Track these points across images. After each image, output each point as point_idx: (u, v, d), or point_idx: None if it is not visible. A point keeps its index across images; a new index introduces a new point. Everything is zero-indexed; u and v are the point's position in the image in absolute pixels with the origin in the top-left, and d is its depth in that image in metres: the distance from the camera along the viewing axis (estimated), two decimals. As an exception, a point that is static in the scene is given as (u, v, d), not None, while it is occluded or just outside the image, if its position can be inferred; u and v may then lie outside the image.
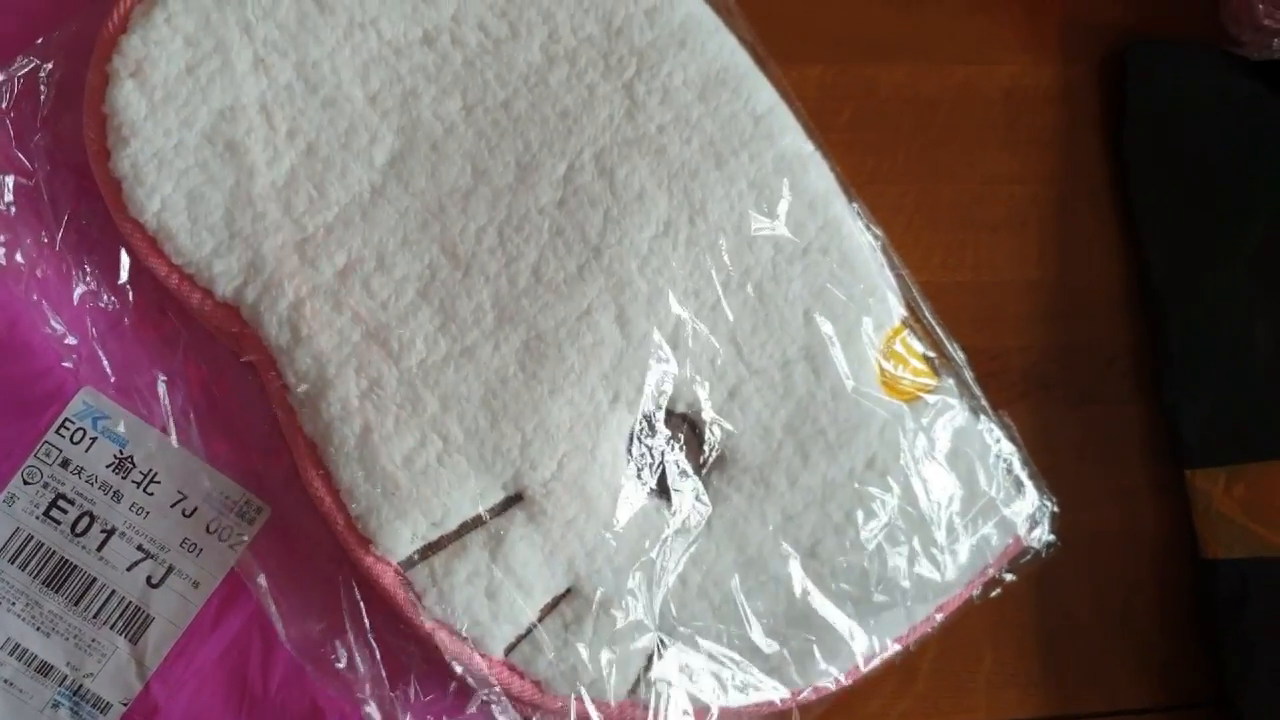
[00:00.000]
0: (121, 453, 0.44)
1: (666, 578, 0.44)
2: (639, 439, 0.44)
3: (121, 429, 0.44)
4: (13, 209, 0.42)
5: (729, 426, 0.44)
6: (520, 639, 0.42)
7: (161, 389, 0.44)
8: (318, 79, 0.43)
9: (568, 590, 0.43)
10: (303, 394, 0.42)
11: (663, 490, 0.44)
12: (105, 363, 0.42)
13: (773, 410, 0.45)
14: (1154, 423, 0.54)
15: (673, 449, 0.44)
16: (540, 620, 0.42)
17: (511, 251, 0.43)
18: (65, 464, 0.44)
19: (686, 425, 0.45)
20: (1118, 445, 0.54)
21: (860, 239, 0.47)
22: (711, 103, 0.45)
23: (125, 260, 0.42)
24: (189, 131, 0.42)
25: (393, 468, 0.41)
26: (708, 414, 0.44)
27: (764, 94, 0.46)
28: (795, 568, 0.44)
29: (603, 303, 0.43)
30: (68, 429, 0.44)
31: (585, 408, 0.43)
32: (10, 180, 0.42)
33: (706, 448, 0.45)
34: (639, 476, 0.44)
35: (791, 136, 0.46)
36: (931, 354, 0.48)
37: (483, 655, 0.41)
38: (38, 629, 0.43)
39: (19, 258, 0.42)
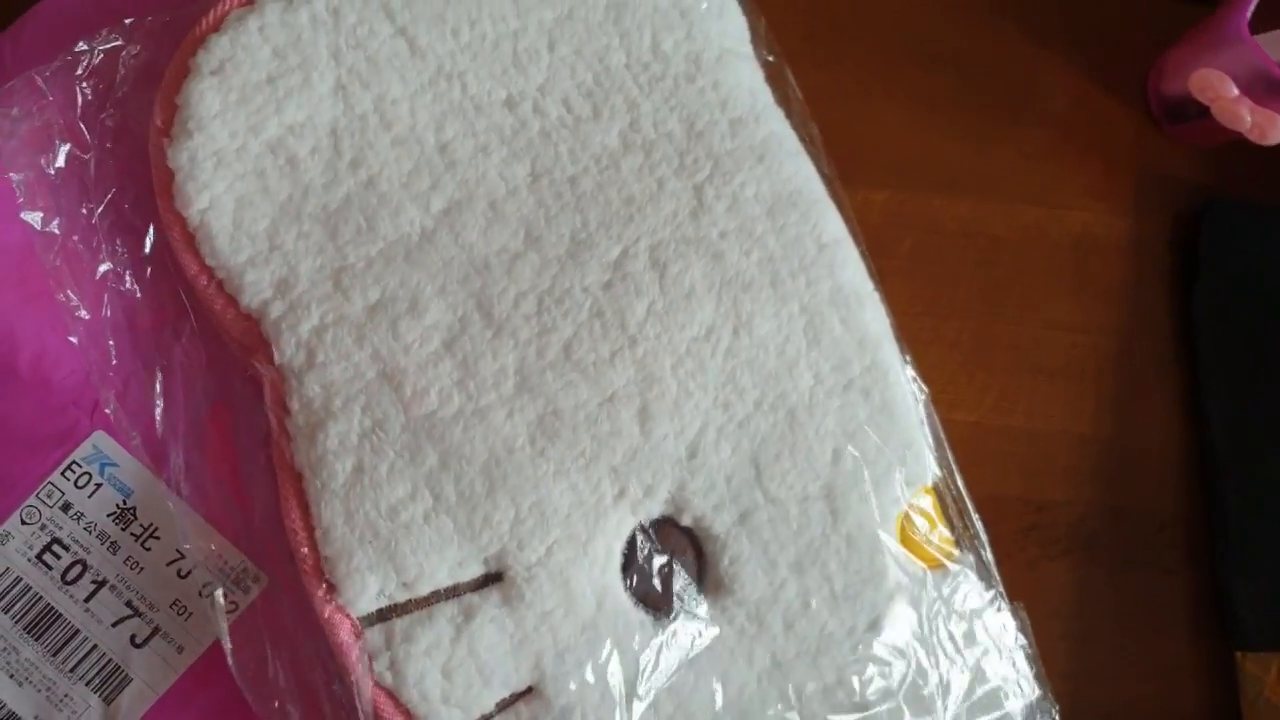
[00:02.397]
0: (125, 503, 0.43)
1: (637, 703, 0.41)
2: (637, 544, 0.42)
3: (129, 479, 0.43)
4: (59, 177, 0.42)
5: (734, 553, 0.42)
6: (465, 728, 0.39)
7: (158, 406, 0.42)
8: (394, 116, 0.43)
9: (529, 689, 0.41)
10: (302, 421, 0.41)
11: (650, 605, 0.42)
12: (111, 343, 0.42)
13: (782, 545, 0.43)
14: (1201, 598, 0.52)
15: (670, 564, 0.42)
16: (492, 716, 0.40)
17: (547, 323, 0.42)
18: (66, 508, 0.43)
19: (688, 541, 0.43)
20: (1162, 617, 0.52)
21: (905, 390, 0.46)
22: (778, 221, 0.45)
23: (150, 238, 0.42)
24: (254, 139, 0.42)
25: (376, 515, 0.40)
26: (715, 534, 0.42)
27: (832, 224, 0.46)
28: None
29: (628, 394, 0.42)
30: (74, 472, 0.43)
31: (588, 497, 0.41)
32: (65, 149, 0.42)
33: (709, 571, 0.43)
34: (628, 584, 0.42)
35: (853, 271, 0.46)
36: (954, 526, 0.47)
37: (421, 736, 0.39)
38: (11, 676, 0.42)
39: (55, 226, 0.42)
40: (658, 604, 0.42)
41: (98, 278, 0.42)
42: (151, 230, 0.43)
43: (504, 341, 0.42)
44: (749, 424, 0.43)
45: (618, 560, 0.42)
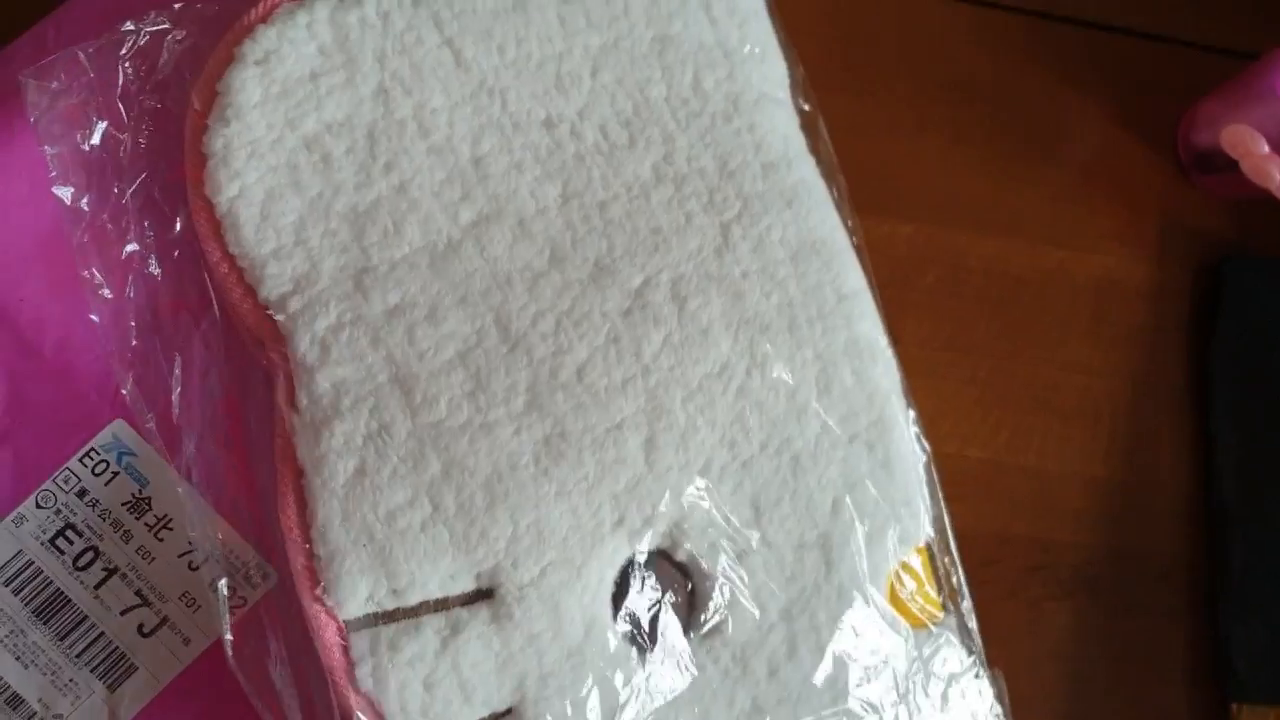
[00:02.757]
0: (140, 492, 0.43)
1: (614, 737, 0.41)
2: (630, 574, 0.42)
3: (145, 469, 0.43)
4: (93, 154, 0.43)
5: (725, 593, 0.42)
6: (443, 743, 0.39)
7: (175, 390, 0.42)
8: (432, 125, 0.43)
9: (508, 710, 0.40)
10: (309, 417, 0.41)
11: (637, 638, 0.42)
12: (132, 324, 0.42)
13: (774, 590, 0.43)
14: (1201, 645, 0.53)
15: (661, 598, 0.42)
16: (469, 735, 0.40)
17: (563, 343, 0.42)
18: (82, 494, 0.43)
19: (681, 576, 0.43)
20: (1160, 664, 0.52)
21: (908, 448, 0.46)
22: (801, 267, 0.45)
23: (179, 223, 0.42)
24: (291, 133, 0.42)
25: (373, 519, 0.40)
26: (708, 573, 0.42)
27: (853, 276, 0.46)
28: (750, 765, 0.41)
29: (636, 423, 0.42)
30: (91, 459, 0.43)
31: (587, 522, 0.41)
32: (102, 126, 0.43)
33: (699, 608, 0.42)
34: (617, 615, 0.42)
35: (869, 325, 0.46)
36: (941, 587, 0.47)
37: (397, 746, 0.38)
38: (17, 658, 0.42)
39: (85, 203, 0.42)
40: (644, 637, 0.42)
41: (123, 258, 0.42)
42: (180, 216, 0.42)
43: (518, 358, 0.42)
44: (753, 465, 0.43)
45: (609, 589, 0.42)
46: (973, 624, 0.47)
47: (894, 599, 0.45)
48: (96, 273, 0.42)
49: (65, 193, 0.42)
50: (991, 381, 0.54)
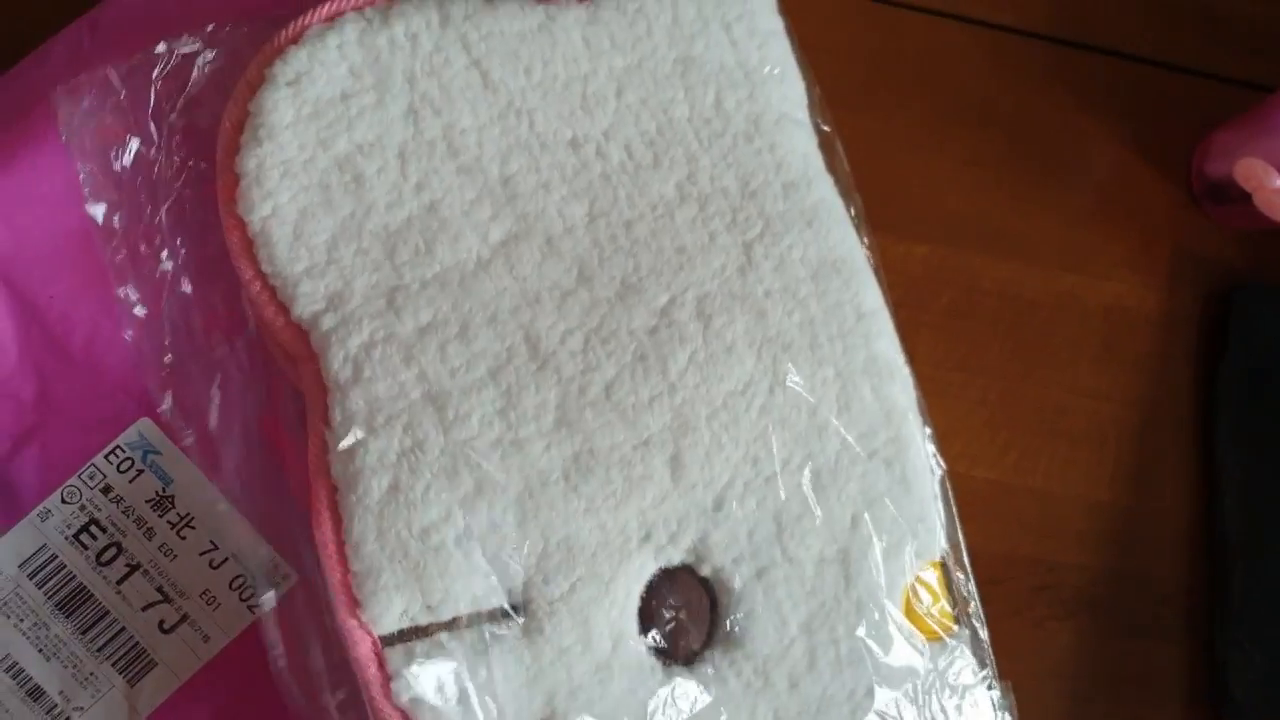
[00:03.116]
0: (164, 490, 0.44)
1: (639, 749, 0.42)
2: (656, 589, 0.43)
3: (170, 467, 0.44)
4: (125, 173, 0.43)
5: (748, 607, 0.43)
6: (477, 755, 0.40)
7: (212, 406, 0.43)
8: (461, 145, 0.44)
9: (538, 723, 0.41)
10: (343, 434, 0.41)
11: (662, 651, 0.43)
12: (167, 342, 0.42)
13: (795, 604, 0.44)
14: (1199, 670, 0.54)
15: (684, 612, 0.43)
16: (500, 747, 0.41)
17: (592, 361, 0.43)
18: (106, 490, 0.44)
19: (704, 590, 0.44)
20: (1158, 686, 0.53)
21: (924, 464, 0.47)
22: (821, 285, 0.46)
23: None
24: (324, 153, 0.43)
25: (407, 535, 0.40)
26: (732, 587, 0.43)
27: (871, 295, 0.47)
28: (772, 776, 0.42)
29: (662, 440, 0.43)
30: (117, 456, 0.44)
31: (615, 538, 0.42)
32: (134, 145, 0.43)
33: (721, 622, 0.43)
34: (643, 629, 0.43)
35: (887, 343, 0.47)
36: (955, 601, 0.48)
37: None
38: (39, 650, 0.43)
39: (117, 221, 0.43)
40: (669, 651, 0.43)
41: (157, 276, 0.43)
42: (212, 234, 0.43)
43: (548, 376, 0.43)
44: (775, 481, 0.44)
45: (635, 603, 0.43)
46: (984, 635, 0.48)
47: (910, 612, 0.46)
48: (130, 292, 0.42)
49: (98, 210, 0.43)
50: (1001, 403, 0.55)
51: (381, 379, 0.42)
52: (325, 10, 0.43)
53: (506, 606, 0.42)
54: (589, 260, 0.44)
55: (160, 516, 0.44)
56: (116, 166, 0.43)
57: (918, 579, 0.46)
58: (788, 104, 0.48)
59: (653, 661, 0.43)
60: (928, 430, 0.48)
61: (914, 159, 0.57)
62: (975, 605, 0.48)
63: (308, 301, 0.42)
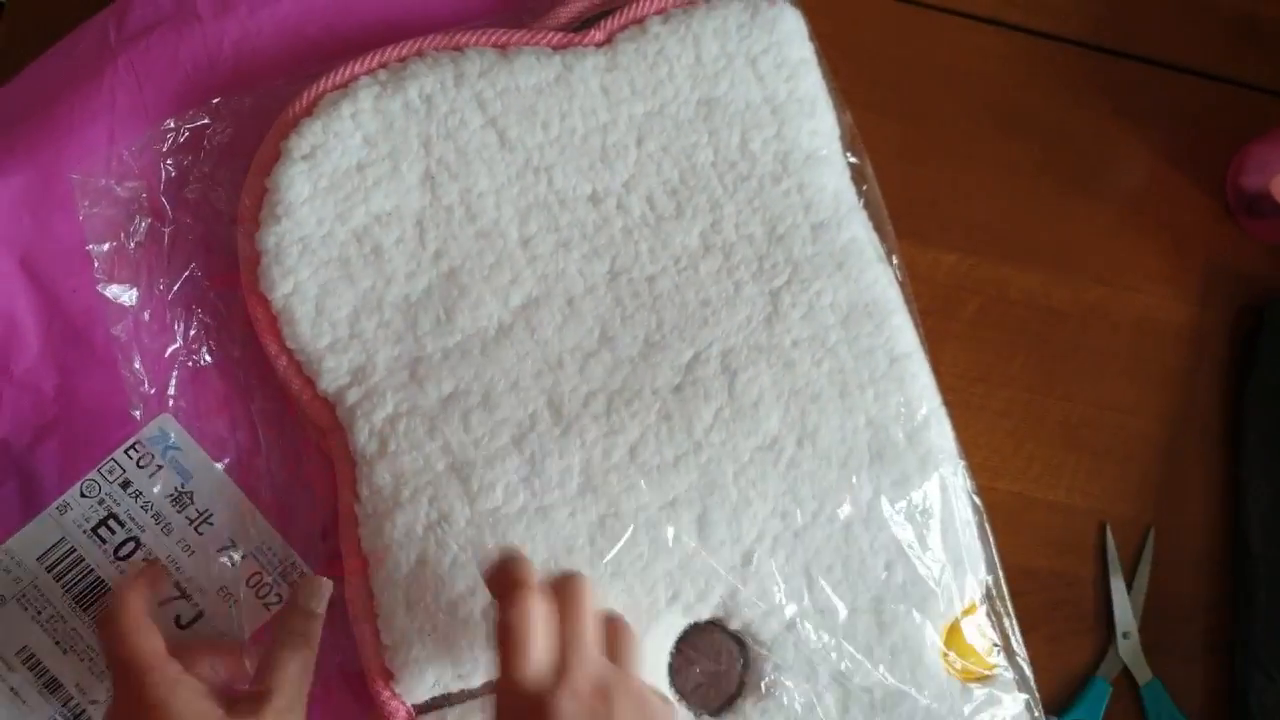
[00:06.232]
0: (182, 486, 0.46)
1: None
2: (686, 644, 0.44)
3: (189, 463, 0.45)
4: (138, 251, 0.44)
5: (778, 659, 0.45)
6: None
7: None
8: (479, 209, 0.45)
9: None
10: (371, 509, 0.43)
11: (695, 705, 0.44)
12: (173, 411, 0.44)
13: (826, 654, 0.45)
14: (1217, 690, 0.54)
15: (716, 666, 0.44)
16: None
17: (615, 423, 0.44)
18: (126, 485, 0.45)
19: (735, 644, 0.45)
20: (1176, 702, 0.53)
21: (963, 505, 0.47)
22: (852, 331, 0.46)
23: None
24: (342, 226, 0.44)
25: (436, 608, 0.42)
26: (762, 640, 0.44)
27: (906, 336, 0.47)
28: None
29: (689, 499, 0.44)
30: (137, 451, 0.45)
31: (642, 600, 0.44)
32: (145, 224, 0.44)
33: (753, 674, 0.44)
34: (674, 684, 0.44)
35: (923, 384, 0.48)
36: (998, 642, 0.48)
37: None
38: (56, 643, 0.45)
39: (127, 299, 0.44)
40: (702, 704, 0.44)
41: (166, 355, 0.45)
42: (224, 308, 0.45)
43: (571, 440, 0.44)
44: (805, 534, 0.45)
45: (665, 660, 0.44)
46: (1029, 672, 0.49)
47: (947, 659, 0.46)
48: (139, 369, 0.43)
49: (110, 290, 0.44)
50: (1025, 415, 0.55)
51: (407, 452, 0.43)
52: (338, 77, 0.44)
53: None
54: (611, 319, 0.45)
55: (179, 512, 0.45)
56: (130, 245, 0.44)
57: (954, 624, 0.46)
58: (818, 139, 0.48)
59: (686, 714, 0.44)
60: (962, 464, 0.48)
61: (945, 165, 0.56)
62: (1018, 642, 0.48)
63: (332, 377, 0.43)
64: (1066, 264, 0.56)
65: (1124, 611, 0.53)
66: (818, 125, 0.48)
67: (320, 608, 0.42)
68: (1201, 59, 0.59)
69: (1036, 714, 0.48)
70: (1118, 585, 0.53)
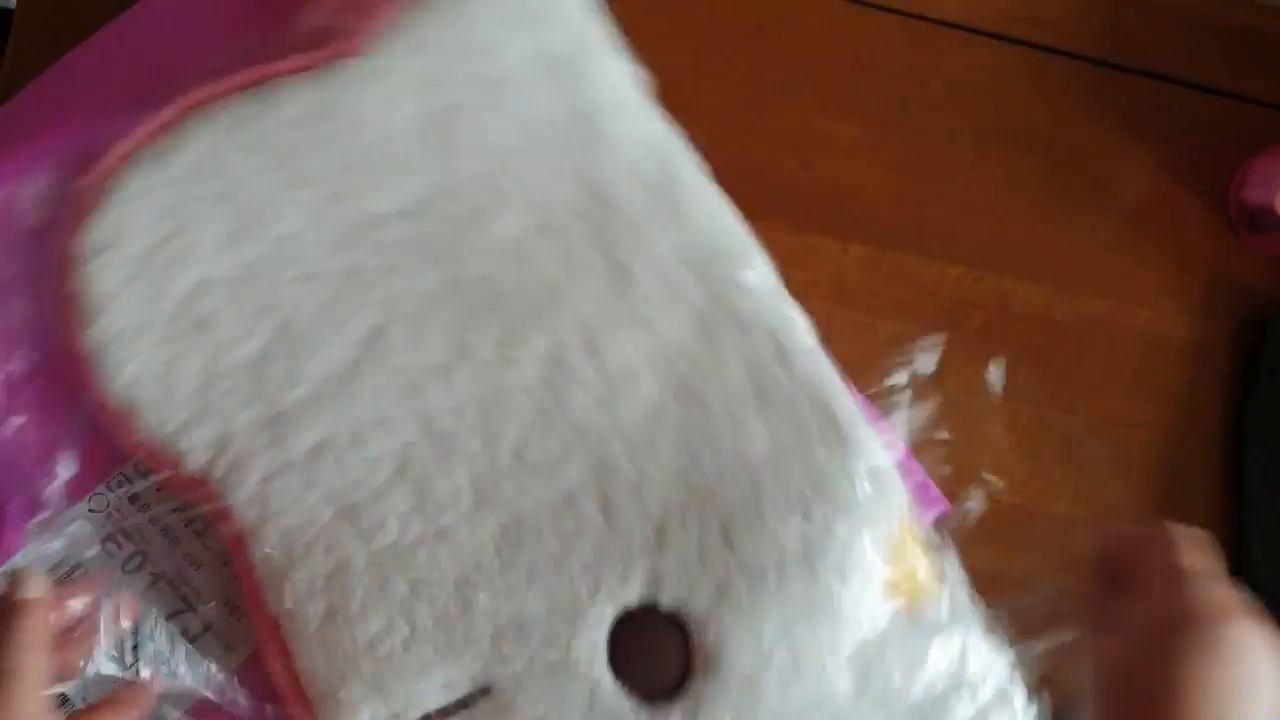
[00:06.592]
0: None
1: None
2: (621, 633, 0.43)
3: None
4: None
5: (716, 628, 0.45)
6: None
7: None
8: (294, 253, 0.45)
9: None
10: (267, 572, 0.44)
11: (644, 692, 0.43)
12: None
13: (764, 611, 0.45)
14: None
15: (657, 647, 0.43)
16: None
17: (493, 430, 0.44)
18: (133, 499, 0.46)
19: (671, 624, 0.44)
20: None
21: (866, 433, 0.47)
22: (703, 275, 0.47)
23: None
24: (157, 308, 0.44)
25: (355, 652, 0.43)
26: (695, 612, 0.45)
27: (758, 267, 0.48)
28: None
29: (585, 487, 0.44)
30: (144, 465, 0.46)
31: (563, 598, 0.43)
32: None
33: (697, 648, 0.45)
34: (617, 674, 0.43)
35: (785, 315, 0.47)
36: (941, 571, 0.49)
37: None
38: None
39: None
40: (649, 691, 0.43)
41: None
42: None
43: (454, 458, 0.44)
44: (712, 496, 0.44)
45: (604, 653, 0.44)
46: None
47: (890, 583, 0.45)
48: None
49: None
50: (1029, 428, 0.57)
51: (289, 510, 0.44)
52: (117, 155, 0.42)
53: (472, 692, 0.42)
54: (459, 328, 0.46)
55: (185, 525, 0.46)
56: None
57: (890, 548, 0.45)
58: (614, 90, 0.48)
59: (633, 704, 0.43)
60: (859, 399, 0.49)
61: (949, 180, 0.58)
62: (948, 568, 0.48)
63: (194, 456, 0.44)
64: (1070, 279, 0.58)
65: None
66: (609, 75, 0.48)
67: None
68: (1204, 74, 0.61)
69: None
70: (1120, 598, 0.54)
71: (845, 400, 0.47)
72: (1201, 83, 0.60)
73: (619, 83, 0.48)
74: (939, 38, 0.59)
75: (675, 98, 0.55)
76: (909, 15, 0.59)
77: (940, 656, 0.46)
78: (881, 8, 0.59)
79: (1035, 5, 0.60)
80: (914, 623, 0.46)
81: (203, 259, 0.44)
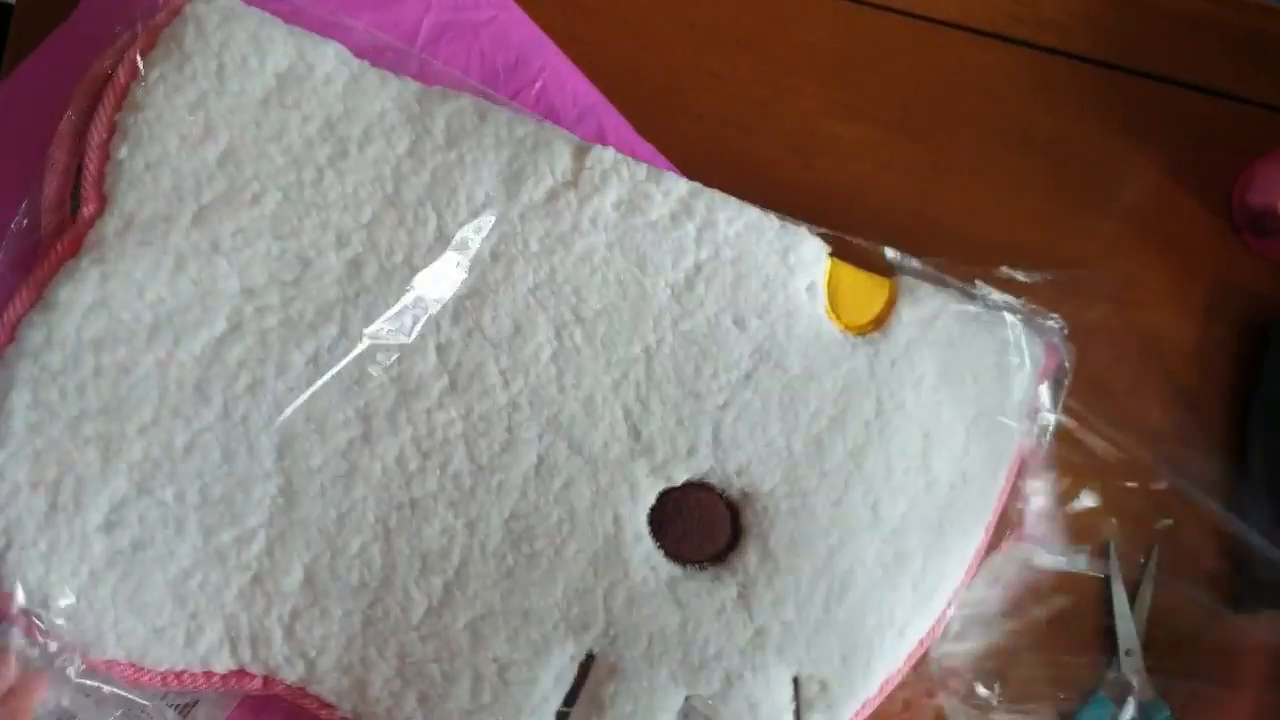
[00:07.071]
0: None
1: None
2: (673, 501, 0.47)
3: None
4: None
5: (735, 467, 0.47)
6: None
7: None
8: (168, 436, 0.45)
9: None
10: (349, 709, 0.45)
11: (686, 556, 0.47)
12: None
13: (764, 425, 0.47)
14: None
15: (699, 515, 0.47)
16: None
17: (432, 464, 0.45)
18: None
19: (703, 491, 0.47)
20: None
21: (742, 216, 0.48)
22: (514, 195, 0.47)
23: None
24: (90, 557, 0.44)
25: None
26: (715, 472, 0.46)
27: (608, 156, 0.48)
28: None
29: (553, 448, 0.46)
30: None
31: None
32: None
33: (734, 500, 0.47)
34: (657, 539, 0.46)
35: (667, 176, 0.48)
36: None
37: None
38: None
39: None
40: (691, 555, 0.47)
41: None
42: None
43: (425, 510, 0.45)
44: (655, 372, 0.46)
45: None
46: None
47: (846, 323, 0.49)
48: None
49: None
50: None
51: (327, 647, 0.44)
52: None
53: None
54: (352, 397, 0.45)
55: None
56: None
57: (828, 290, 0.49)
58: None
59: (674, 567, 0.46)
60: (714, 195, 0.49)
61: (952, 181, 0.58)
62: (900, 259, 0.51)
63: (215, 655, 0.44)
64: (1072, 282, 0.57)
65: (1127, 629, 0.54)
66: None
67: None
68: (1208, 76, 0.60)
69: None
70: (1121, 603, 0.54)
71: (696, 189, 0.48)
72: (1205, 85, 0.60)
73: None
74: (941, 38, 0.59)
75: (675, 98, 0.58)
76: (911, 15, 0.59)
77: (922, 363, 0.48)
78: (883, 8, 0.59)
79: (1038, 6, 0.60)
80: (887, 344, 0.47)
81: (95, 491, 0.43)
